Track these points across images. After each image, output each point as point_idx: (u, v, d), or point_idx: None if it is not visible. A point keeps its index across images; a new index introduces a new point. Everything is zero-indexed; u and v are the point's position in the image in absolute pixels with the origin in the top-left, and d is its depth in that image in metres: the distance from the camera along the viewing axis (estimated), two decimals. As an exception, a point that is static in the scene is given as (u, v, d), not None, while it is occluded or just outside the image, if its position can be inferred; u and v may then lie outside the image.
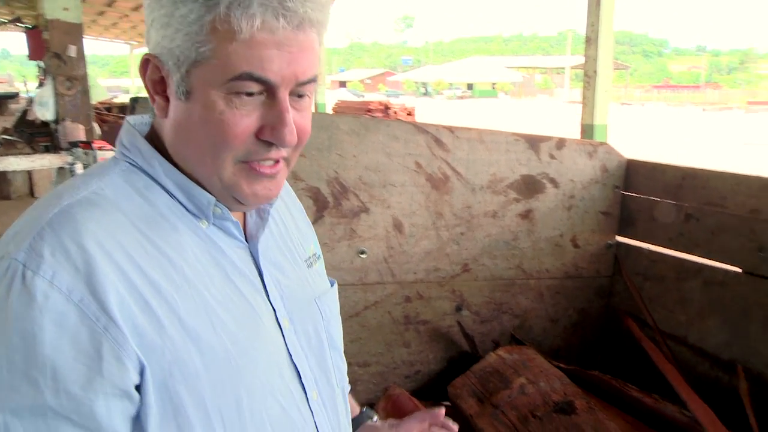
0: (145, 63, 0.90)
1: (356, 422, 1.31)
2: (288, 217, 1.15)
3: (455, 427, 1.28)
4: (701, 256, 3.01)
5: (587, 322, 3.44)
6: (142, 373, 0.82)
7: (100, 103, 14.51)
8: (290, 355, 1.01)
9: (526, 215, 3.18)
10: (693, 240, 3.03)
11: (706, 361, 2.97)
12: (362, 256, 2.82)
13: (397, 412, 2.54)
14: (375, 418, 1.35)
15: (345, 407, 1.15)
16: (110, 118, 12.25)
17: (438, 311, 3.04)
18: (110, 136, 8.37)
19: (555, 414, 2.52)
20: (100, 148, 7.00)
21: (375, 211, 2.85)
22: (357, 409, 1.36)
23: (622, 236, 3.42)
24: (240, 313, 0.93)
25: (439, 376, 3.03)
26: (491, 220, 3.10)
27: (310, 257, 1.15)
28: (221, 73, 0.85)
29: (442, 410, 1.28)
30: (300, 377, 1.02)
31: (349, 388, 1.40)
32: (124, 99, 20.87)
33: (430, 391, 2.95)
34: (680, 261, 3.13)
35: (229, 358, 0.89)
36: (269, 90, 0.87)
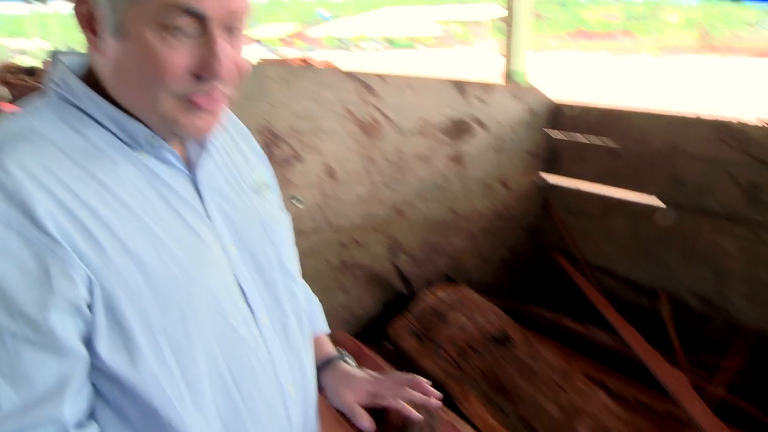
0: (79, 1, 0.89)
1: (330, 362, 1.32)
2: (232, 147, 1.15)
3: (438, 398, 1.26)
4: (626, 188, 3.13)
5: (518, 259, 3.55)
6: (91, 292, 0.84)
7: (3, 65, 13.84)
8: (239, 281, 1.02)
9: (456, 158, 3.23)
10: (617, 176, 3.15)
11: (631, 290, 3.12)
12: (299, 205, 2.82)
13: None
14: (352, 362, 1.35)
15: (301, 334, 1.15)
16: (16, 81, 11.65)
17: (374, 255, 3.07)
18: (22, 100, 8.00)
19: (493, 347, 2.61)
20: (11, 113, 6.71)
21: (307, 158, 2.84)
22: (331, 349, 1.37)
23: (549, 175, 3.52)
24: (183, 238, 0.94)
25: (378, 319, 3.08)
26: (422, 164, 3.14)
27: (258, 185, 1.15)
28: (156, 9, 0.84)
29: (424, 380, 1.28)
30: (249, 303, 1.03)
31: (323, 329, 1.41)
32: (26, 61, 19.84)
33: (371, 333, 2.99)
34: (605, 197, 3.25)
35: (173, 280, 0.90)
36: (202, 25, 0.87)
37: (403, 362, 2.62)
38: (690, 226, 2.89)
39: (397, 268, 3.14)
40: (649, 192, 3.04)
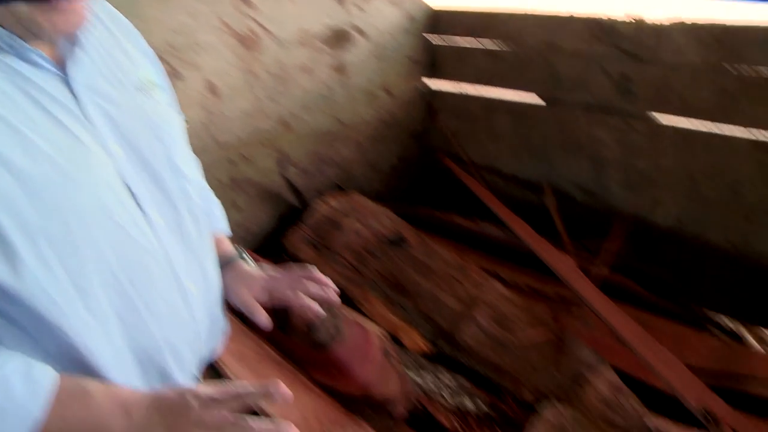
0: None
1: (228, 262, 1.31)
2: (111, 43, 1.09)
3: (335, 291, 1.28)
4: (507, 88, 3.21)
5: (407, 164, 3.61)
6: None
7: None
8: (126, 182, 1.00)
9: (339, 67, 3.20)
10: (498, 77, 3.22)
11: (517, 186, 3.24)
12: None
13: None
14: (250, 261, 1.35)
15: (198, 232, 1.14)
16: None
17: (263, 170, 3.04)
18: None
19: (389, 249, 2.66)
20: None
21: (186, 75, 2.74)
22: (229, 248, 1.36)
23: (432, 80, 3.56)
24: (60, 141, 0.91)
25: (273, 234, 3.08)
26: (305, 75, 3.09)
27: (143, 83, 1.10)
28: None
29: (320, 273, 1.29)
30: (139, 203, 1.01)
31: (224, 229, 1.39)
32: None
33: (268, 248, 2.99)
34: (487, 98, 3.33)
35: (51, 184, 0.88)
36: None
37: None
38: (568, 121, 3.01)
39: (287, 181, 3.13)
40: (529, 90, 3.14)
